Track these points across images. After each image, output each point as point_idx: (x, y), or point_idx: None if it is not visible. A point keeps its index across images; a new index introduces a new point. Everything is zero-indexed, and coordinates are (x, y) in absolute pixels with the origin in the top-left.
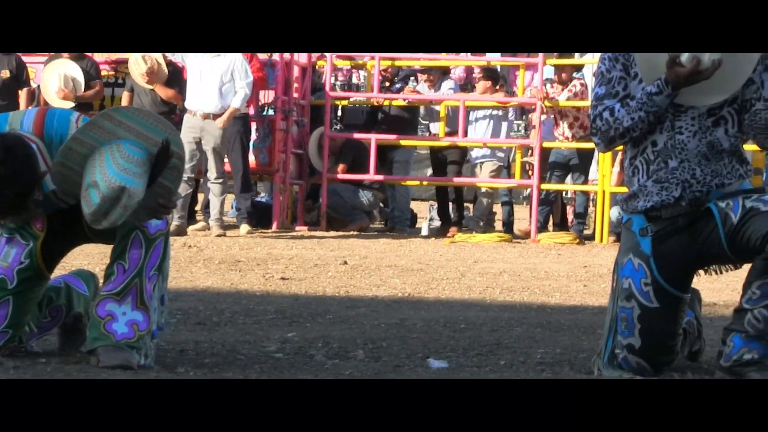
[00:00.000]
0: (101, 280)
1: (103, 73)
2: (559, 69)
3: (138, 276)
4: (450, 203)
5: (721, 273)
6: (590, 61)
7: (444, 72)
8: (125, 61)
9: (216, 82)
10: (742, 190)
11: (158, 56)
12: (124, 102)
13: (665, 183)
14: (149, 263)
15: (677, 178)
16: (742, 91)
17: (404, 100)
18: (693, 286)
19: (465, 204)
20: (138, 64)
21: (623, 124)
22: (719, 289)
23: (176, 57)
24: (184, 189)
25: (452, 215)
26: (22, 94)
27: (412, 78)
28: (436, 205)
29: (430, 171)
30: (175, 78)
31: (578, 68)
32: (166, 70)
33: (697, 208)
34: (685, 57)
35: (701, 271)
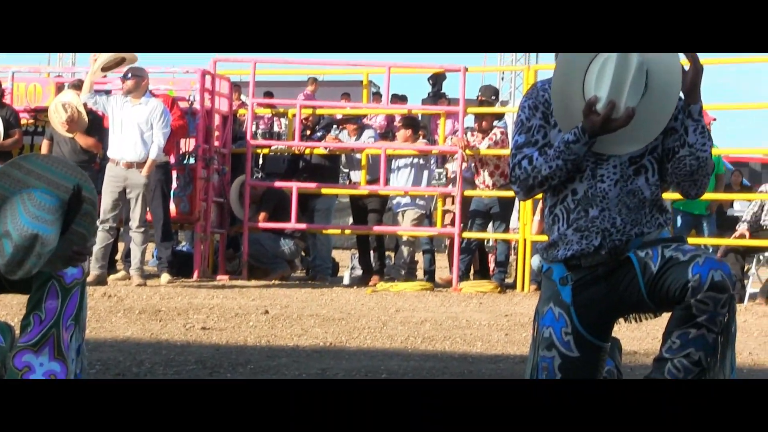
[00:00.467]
0: (18, 332)
1: (23, 121)
2: (479, 117)
3: (55, 326)
4: (371, 252)
5: (640, 321)
6: (511, 110)
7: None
8: (45, 110)
9: (137, 131)
10: (661, 239)
11: (79, 104)
12: (44, 150)
13: (585, 232)
14: (66, 313)
15: (597, 227)
16: (663, 139)
17: (325, 148)
18: (613, 334)
19: (387, 253)
20: (58, 112)
21: (542, 173)
22: (640, 338)
23: (97, 105)
24: (105, 238)
25: (374, 264)
26: None
27: (334, 126)
28: (358, 254)
29: (351, 219)
30: (95, 126)
31: (499, 117)
32: (87, 119)
33: (617, 257)
34: (600, 105)
35: (621, 320)
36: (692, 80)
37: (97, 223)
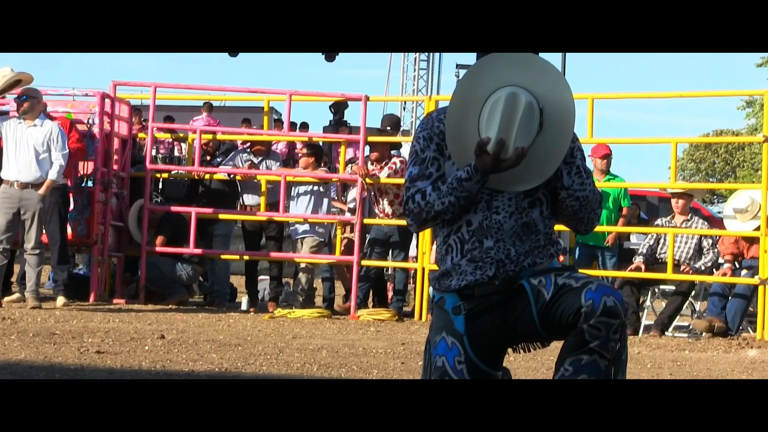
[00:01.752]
0: None
1: None
2: (377, 146)
3: None
4: (269, 279)
5: (528, 351)
6: (408, 139)
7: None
8: None
9: (32, 152)
10: (553, 268)
11: None
12: None
13: (480, 262)
14: None
15: (492, 257)
16: (553, 177)
17: (225, 174)
18: (509, 365)
19: (285, 279)
20: None
21: (435, 208)
22: (534, 368)
23: None
24: None
25: (270, 291)
26: None
27: (246, 152)
28: (268, 280)
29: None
30: None
31: (397, 146)
32: None
33: (510, 287)
34: (490, 146)
35: (510, 350)
36: None
37: None
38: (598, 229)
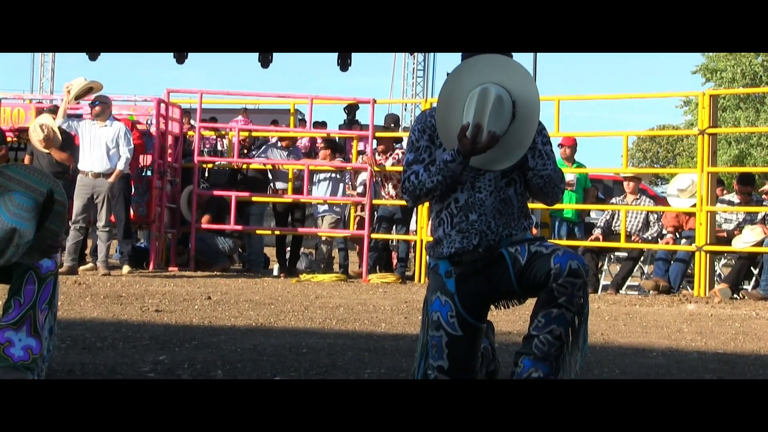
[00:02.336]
0: (0, 312)
1: (8, 139)
2: (383, 140)
3: (32, 309)
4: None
5: (508, 308)
6: (408, 134)
7: (294, 141)
8: (26, 130)
9: (103, 148)
10: (527, 239)
11: (54, 125)
12: (26, 163)
13: (466, 233)
14: (41, 298)
15: (476, 229)
16: (524, 160)
17: (260, 164)
18: (491, 318)
19: (309, 250)
20: (36, 131)
21: (426, 186)
22: (513, 320)
23: (70, 127)
24: (76, 236)
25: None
26: None
27: (277, 147)
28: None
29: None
30: (68, 143)
31: (399, 140)
32: (60, 137)
33: (491, 254)
34: (468, 130)
35: (493, 307)
36: None
37: (70, 223)
38: (568, 207)
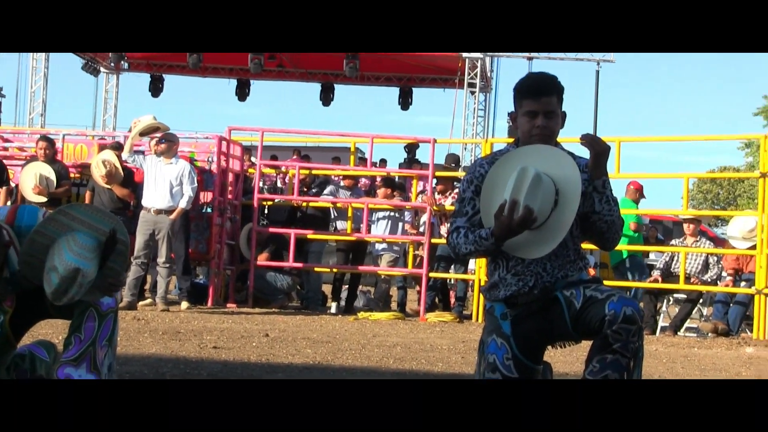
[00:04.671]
0: (61, 348)
1: (71, 174)
2: (443, 179)
3: (92, 345)
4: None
5: (565, 347)
6: None
7: (356, 180)
8: (89, 165)
9: (167, 185)
10: (582, 281)
11: (116, 162)
12: (87, 200)
13: (521, 275)
14: (101, 335)
15: (531, 271)
16: (582, 203)
17: (321, 201)
18: (549, 359)
19: (368, 288)
20: (99, 167)
21: (461, 251)
22: (571, 362)
23: (135, 162)
24: (137, 271)
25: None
26: (2, 192)
27: (341, 187)
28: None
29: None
30: (129, 180)
31: (458, 179)
32: (122, 173)
33: (547, 296)
34: (506, 207)
35: (550, 347)
36: (593, 161)
37: (131, 258)
38: (631, 248)
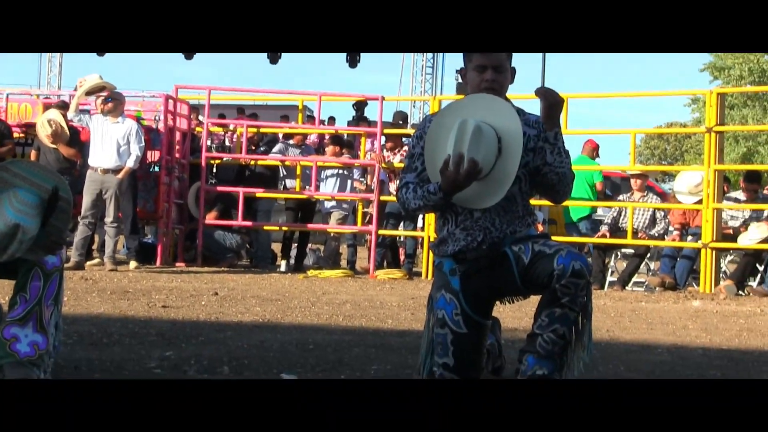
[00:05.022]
0: (6, 309)
1: (15, 134)
2: (391, 137)
3: (38, 305)
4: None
5: (513, 303)
6: None
7: (305, 138)
8: (33, 125)
9: (115, 145)
10: (531, 236)
11: (61, 121)
12: (32, 159)
13: (470, 230)
14: (47, 294)
15: (480, 226)
16: (532, 157)
17: (270, 160)
18: (498, 314)
19: (317, 246)
20: (44, 127)
21: (410, 206)
22: (519, 317)
23: (81, 122)
24: (84, 231)
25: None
26: None
27: (290, 145)
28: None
29: (286, 218)
30: (75, 140)
31: (406, 137)
32: (68, 133)
33: (495, 251)
34: (450, 161)
35: (499, 302)
36: (545, 113)
37: (78, 218)
38: (581, 204)
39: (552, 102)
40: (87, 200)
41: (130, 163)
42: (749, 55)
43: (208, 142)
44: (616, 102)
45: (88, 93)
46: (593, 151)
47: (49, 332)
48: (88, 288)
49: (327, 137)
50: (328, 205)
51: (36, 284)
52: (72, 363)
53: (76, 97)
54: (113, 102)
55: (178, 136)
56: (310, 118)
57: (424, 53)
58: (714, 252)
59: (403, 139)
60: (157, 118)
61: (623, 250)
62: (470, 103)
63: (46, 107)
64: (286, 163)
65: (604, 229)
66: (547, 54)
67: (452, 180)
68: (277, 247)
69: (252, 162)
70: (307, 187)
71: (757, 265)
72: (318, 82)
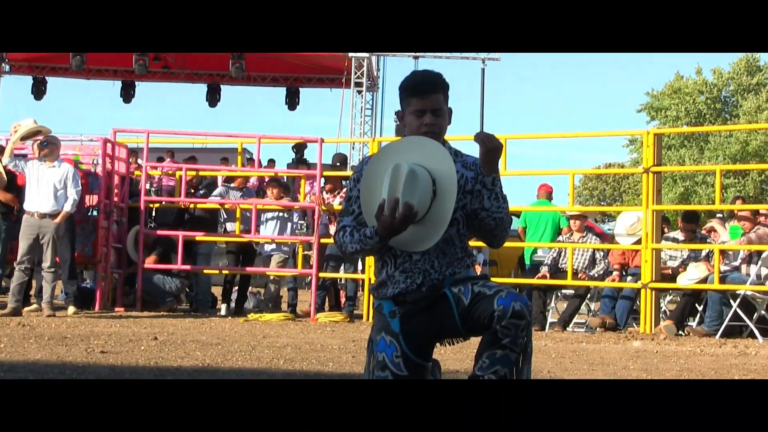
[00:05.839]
0: None
1: None
2: (331, 179)
3: None
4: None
5: (453, 344)
6: None
7: (247, 181)
8: None
9: (51, 189)
10: (470, 277)
11: None
12: None
13: (409, 273)
14: None
15: (419, 268)
16: (470, 200)
17: (208, 203)
18: (439, 356)
19: (257, 289)
20: None
21: (347, 250)
22: (461, 359)
23: (17, 167)
24: (20, 277)
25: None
26: None
27: (232, 188)
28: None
29: (227, 261)
30: (12, 184)
31: (346, 179)
32: (5, 178)
33: (435, 293)
34: (386, 206)
35: (438, 344)
36: (484, 158)
37: (15, 264)
38: (519, 244)
39: (490, 147)
40: (23, 245)
41: (68, 207)
42: (685, 96)
43: (147, 186)
44: (555, 143)
45: (24, 138)
46: (549, 194)
47: None
48: (25, 334)
49: (267, 180)
50: (268, 248)
51: None
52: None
53: (11, 142)
54: (49, 147)
55: (116, 179)
56: (249, 161)
57: (363, 95)
58: (653, 292)
59: (343, 181)
60: (95, 161)
61: (563, 291)
62: (404, 146)
63: None
64: (226, 206)
65: (544, 270)
66: (485, 94)
67: (388, 225)
68: (217, 290)
69: (191, 205)
70: (249, 228)
71: (696, 305)
72: (258, 125)
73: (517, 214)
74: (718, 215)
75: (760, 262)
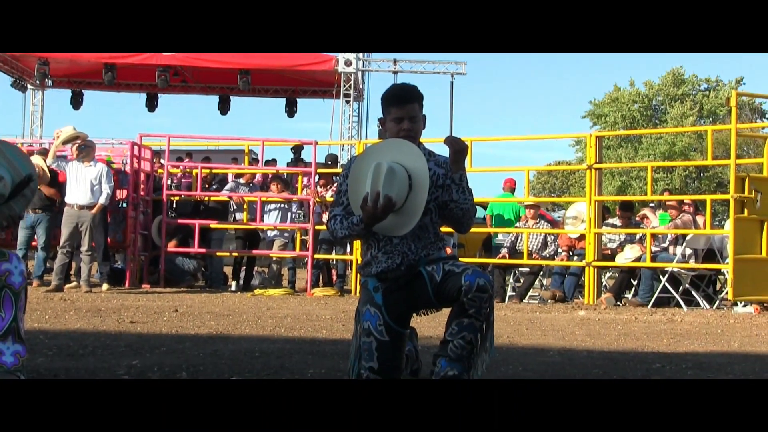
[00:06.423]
0: None
1: None
2: (324, 175)
3: (14, 321)
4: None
5: (428, 314)
6: None
7: (253, 177)
8: None
9: (88, 184)
10: (442, 258)
11: (43, 165)
12: None
13: (390, 254)
14: (19, 310)
15: (399, 250)
16: (441, 193)
17: (227, 197)
18: (415, 325)
19: (262, 269)
20: None
21: (338, 235)
22: (434, 326)
23: (59, 167)
24: (62, 259)
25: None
26: None
27: (241, 184)
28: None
29: (236, 245)
30: (55, 180)
31: (337, 175)
32: (49, 176)
33: (412, 271)
34: (369, 198)
35: (415, 315)
36: (452, 158)
37: (58, 248)
38: (482, 230)
39: (458, 149)
40: (65, 232)
41: (102, 200)
42: (622, 104)
43: (168, 182)
44: (513, 144)
45: (65, 142)
46: (512, 188)
47: (24, 340)
48: (66, 307)
49: (270, 176)
50: (271, 234)
51: (9, 304)
52: (52, 372)
53: (54, 146)
54: (86, 149)
55: (142, 176)
56: (254, 161)
57: (351, 104)
58: (596, 269)
59: (334, 177)
60: (124, 161)
61: (520, 269)
62: (385, 147)
63: (30, 154)
64: (235, 198)
65: (504, 251)
66: (454, 103)
67: (371, 214)
68: (228, 270)
69: (206, 198)
70: (255, 217)
71: (632, 280)
72: (261, 130)
73: (483, 205)
74: (650, 205)
75: (684, 244)
